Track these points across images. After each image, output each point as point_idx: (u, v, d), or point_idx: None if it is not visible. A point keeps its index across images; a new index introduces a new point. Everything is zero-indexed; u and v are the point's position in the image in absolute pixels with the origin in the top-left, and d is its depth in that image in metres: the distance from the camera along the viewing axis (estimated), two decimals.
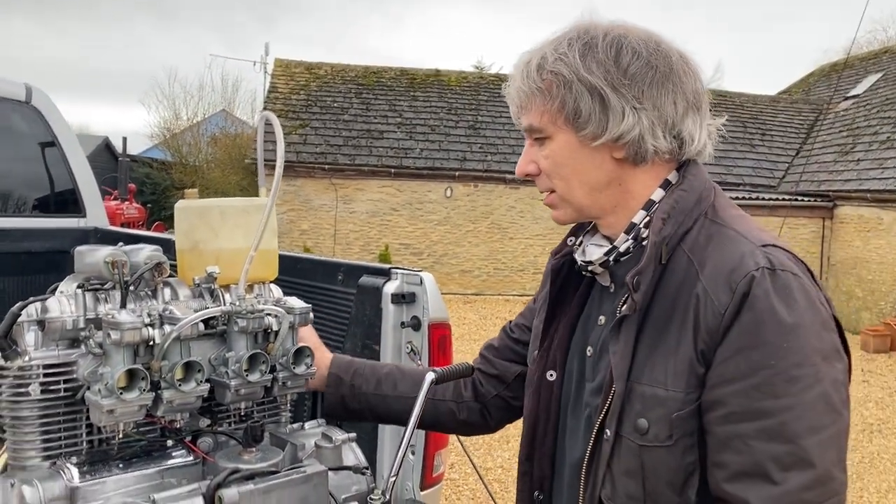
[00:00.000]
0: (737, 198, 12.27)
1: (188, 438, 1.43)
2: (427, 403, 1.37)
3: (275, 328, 1.41)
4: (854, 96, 14.58)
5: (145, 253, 1.40)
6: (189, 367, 1.31)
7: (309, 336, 1.54)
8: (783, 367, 0.95)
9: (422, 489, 2.34)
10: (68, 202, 3.99)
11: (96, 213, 4.07)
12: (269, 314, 1.39)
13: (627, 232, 1.14)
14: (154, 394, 1.28)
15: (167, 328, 1.29)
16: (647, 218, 1.13)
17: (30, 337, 1.40)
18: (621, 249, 1.15)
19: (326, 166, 13.71)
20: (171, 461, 1.40)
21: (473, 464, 1.52)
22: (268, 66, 18.35)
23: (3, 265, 3.73)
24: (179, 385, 1.29)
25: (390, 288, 2.28)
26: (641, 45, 1.10)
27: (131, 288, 1.39)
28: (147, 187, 18.23)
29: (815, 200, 12.40)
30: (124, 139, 14.68)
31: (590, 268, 1.19)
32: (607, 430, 1.08)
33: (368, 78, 15.80)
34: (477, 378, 1.49)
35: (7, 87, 3.81)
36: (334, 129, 14.41)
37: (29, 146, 3.91)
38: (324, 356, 1.54)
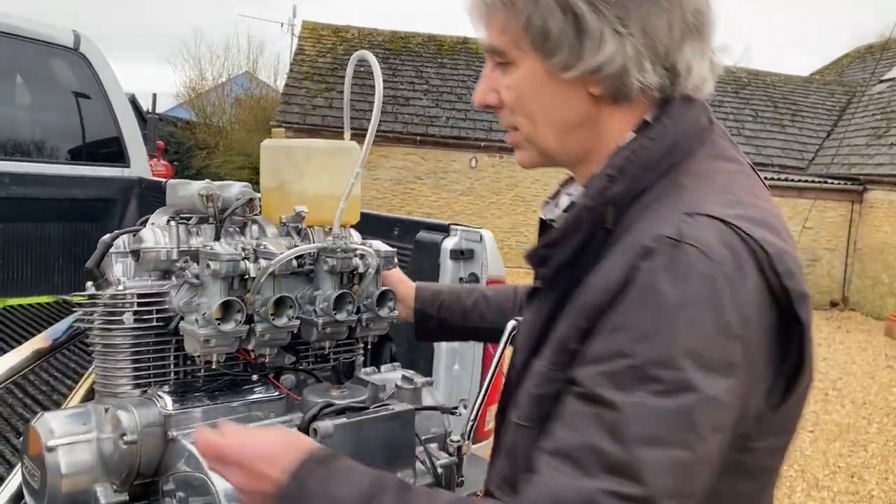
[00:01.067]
0: (765, 178, 12.14)
1: (271, 375, 1.45)
2: (471, 329, 1.50)
3: (360, 270, 1.41)
4: (890, 79, 14.33)
5: (236, 189, 1.42)
6: (281, 303, 1.32)
7: (393, 270, 1.54)
8: (639, 361, 0.77)
9: (473, 443, 2.36)
10: (113, 152, 4.00)
11: (140, 163, 4.09)
12: (357, 255, 1.40)
13: (586, 185, 0.96)
14: (248, 326, 1.29)
15: (262, 262, 1.31)
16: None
17: (118, 267, 1.42)
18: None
19: (351, 131, 13.65)
20: (255, 395, 1.43)
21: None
22: (295, 27, 18.27)
23: (48, 211, 3.77)
24: (273, 319, 1.30)
25: (449, 244, 2.29)
26: None
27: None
28: (171, 146, 18.30)
29: (845, 184, 12.24)
30: (154, 96, 14.71)
31: (552, 222, 1.05)
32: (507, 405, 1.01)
33: (396, 43, 15.68)
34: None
35: (55, 33, 3.81)
36: (360, 94, 14.32)
37: (75, 94, 3.93)
38: (409, 290, 1.53)
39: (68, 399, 1.54)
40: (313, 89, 14.13)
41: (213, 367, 1.32)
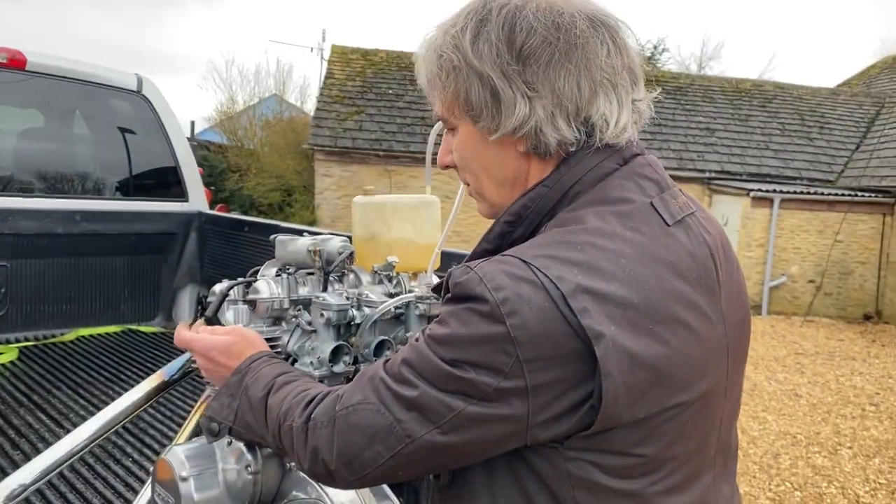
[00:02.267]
0: (794, 192, 12.18)
1: None
2: None
3: None
4: None
5: (337, 243, 1.58)
6: (381, 345, 1.48)
7: None
8: (432, 335, 0.94)
9: None
10: (173, 187, 4.23)
11: (198, 197, 4.31)
12: None
13: (489, 229, 1.08)
14: (355, 367, 1.46)
15: (365, 310, 1.47)
16: None
17: (230, 314, 1.59)
18: None
19: (381, 153, 13.92)
20: None
21: None
22: (324, 51, 18.65)
23: (116, 245, 3.99)
24: (374, 361, 1.46)
25: None
26: (539, 19, 0.97)
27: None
28: (204, 169, 18.53)
29: (877, 196, 12.22)
30: (192, 123, 15.05)
31: None
32: None
33: None
34: None
35: (120, 77, 4.05)
36: (389, 116, 14.61)
37: (139, 134, 4.16)
38: None
39: (181, 432, 1.71)
40: (343, 112, 14.42)
41: None
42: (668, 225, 1.00)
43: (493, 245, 1.04)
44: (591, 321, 0.87)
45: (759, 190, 12.15)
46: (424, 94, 1.10)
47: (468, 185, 1.11)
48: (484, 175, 1.06)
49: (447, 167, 1.12)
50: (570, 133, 0.98)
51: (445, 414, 0.91)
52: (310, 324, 1.46)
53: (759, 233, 12.21)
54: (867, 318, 12.05)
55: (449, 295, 0.95)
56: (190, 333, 1.34)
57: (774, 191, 12.15)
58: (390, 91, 15.16)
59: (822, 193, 12.43)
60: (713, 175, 14.01)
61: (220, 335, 1.30)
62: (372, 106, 14.74)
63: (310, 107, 20.17)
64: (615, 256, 0.92)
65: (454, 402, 0.91)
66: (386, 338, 1.49)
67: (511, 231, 1.02)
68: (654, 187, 1.04)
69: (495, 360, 0.88)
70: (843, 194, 12.39)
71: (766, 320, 11.62)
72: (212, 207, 4.75)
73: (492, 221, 1.09)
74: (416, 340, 0.97)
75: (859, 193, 12.38)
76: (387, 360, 1.01)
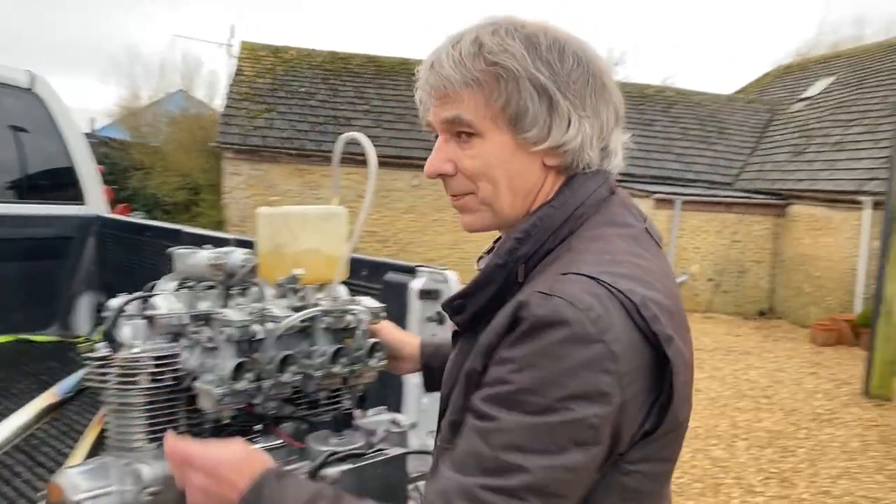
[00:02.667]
0: (695, 194, 12.71)
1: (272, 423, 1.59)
2: None
3: (353, 325, 1.57)
4: (807, 98, 15.15)
5: (239, 256, 1.55)
6: (285, 360, 1.46)
7: (393, 330, 1.68)
8: (515, 388, 0.92)
9: None
10: (68, 189, 4.04)
11: (96, 199, 4.13)
12: (352, 313, 1.55)
13: (500, 245, 1.11)
14: (258, 383, 1.43)
15: (269, 325, 1.45)
16: None
17: (127, 330, 1.53)
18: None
19: (292, 152, 13.71)
20: (258, 444, 1.56)
21: None
22: (233, 48, 18.20)
23: (7, 251, 3.78)
24: (278, 376, 1.44)
25: (417, 284, 2.45)
26: (581, 51, 1.05)
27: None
28: (104, 167, 17.76)
29: (769, 198, 12.90)
30: (92, 120, 14.40)
31: None
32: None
33: (335, 63, 15.79)
34: None
35: (10, 74, 3.84)
36: (300, 115, 14.40)
37: (31, 133, 3.95)
38: (415, 348, 1.64)
39: (74, 451, 1.64)
40: (253, 110, 14.12)
41: (225, 421, 1.45)
42: (660, 247, 1.12)
43: (503, 260, 1.05)
44: (661, 327, 0.95)
45: (662, 192, 12.62)
46: (421, 99, 1.09)
47: (469, 195, 1.09)
48: (504, 185, 1.06)
49: (441, 175, 1.09)
50: (595, 157, 1.07)
51: (570, 479, 0.91)
52: (211, 340, 1.43)
53: (661, 233, 12.67)
54: (761, 314, 12.71)
55: (526, 327, 0.93)
56: (188, 445, 1.15)
57: (676, 193, 12.65)
58: (302, 89, 14.94)
59: (721, 196, 13.03)
60: (618, 178, 14.42)
61: (225, 449, 1.12)
62: (283, 104, 14.49)
63: (218, 103, 19.63)
64: (650, 271, 1.01)
65: (574, 458, 0.90)
66: (290, 353, 1.47)
67: (518, 248, 1.05)
68: (640, 213, 1.14)
69: (599, 383, 0.90)
70: (739, 196, 13.02)
71: None
72: (113, 207, 4.58)
73: (470, 234, 1.16)
74: (480, 418, 0.93)
75: (754, 196, 13.04)
76: (457, 467, 0.93)
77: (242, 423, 1.55)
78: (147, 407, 1.46)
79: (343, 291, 1.75)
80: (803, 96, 15.44)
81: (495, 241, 1.23)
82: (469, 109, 1.04)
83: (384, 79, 15.61)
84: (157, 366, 1.45)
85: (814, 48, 22.15)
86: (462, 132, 1.06)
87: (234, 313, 1.41)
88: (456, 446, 0.98)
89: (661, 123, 15.76)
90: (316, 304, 1.55)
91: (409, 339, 1.69)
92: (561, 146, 1.04)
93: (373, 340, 1.62)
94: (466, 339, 1.10)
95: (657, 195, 12.58)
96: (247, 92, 14.52)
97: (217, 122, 14.59)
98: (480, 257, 1.24)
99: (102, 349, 1.50)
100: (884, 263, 7.43)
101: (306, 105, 14.59)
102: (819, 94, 14.92)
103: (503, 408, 0.92)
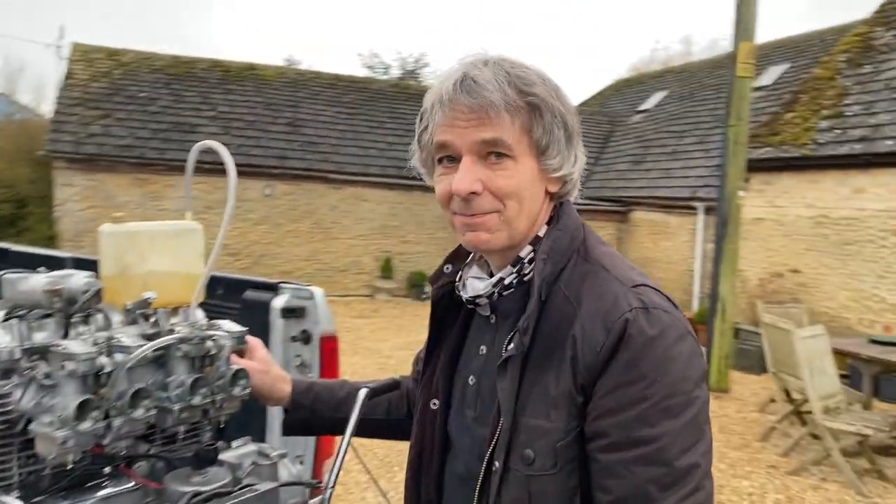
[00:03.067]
0: None
1: (123, 465, 1.42)
2: (368, 421, 1.47)
3: (213, 352, 1.44)
4: (644, 111, 16.16)
5: (80, 280, 1.38)
6: (137, 395, 1.31)
7: (264, 358, 1.56)
8: (657, 399, 1.00)
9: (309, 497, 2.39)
10: None
11: None
12: (212, 339, 1.42)
13: (513, 265, 1.15)
14: (106, 422, 1.27)
15: (118, 356, 1.29)
16: (531, 254, 1.15)
17: None
18: (506, 283, 1.16)
19: (132, 160, 12.91)
20: (108, 490, 1.39)
21: (373, 477, 1.61)
22: (63, 49, 16.89)
23: None
24: (130, 412, 1.29)
25: (279, 302, 2.33)
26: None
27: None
28: None
29: (613, 205, 13.61)
30: None
31: (477, 300, 1.19)
32: (496, 462, 1.10)
33: (179, 68, 15.06)
34: (410, 390, 1.55)
35: None
36: (141, 121, 13.60)
37: None
38: (287, 384, 1.56)
39: None
40: (87, 116, 13.17)
41: (69, 467, 1.28)
42: None
43: (541, 279, 1.11)
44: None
45: None
46: (454, 118, 1.10)
47: (493, 213, 1.11)
48: (526, 207, 1.12)
49: (472, 194, 1.10)
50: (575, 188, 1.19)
51: (711, 453, 1.06)
52: (48, 376, 1.25)
53: None
54: None
55: (641, 342, 1.02)
56: None
57: None
58: (142, 94, 14.11)
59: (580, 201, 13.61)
60: None
61: None
62: (121, 110, 13.62)
63: (47, 109, 18.18)
64: None
65: (709, 433, 1.06)
66: (143, 386, 1.32)
67: (544, 267, 1.12)
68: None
69: (702, 365, 1.08)
70: (585, 203, 13.65)
71: None
72: None
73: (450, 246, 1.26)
74: (635, 445, 1.00)
75: (599, 203, 13.72)
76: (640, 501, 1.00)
77: (89, 467, 1.39)
78: None
79: (200, 315, 1.61)
80: (640, 109, 16.45)
81: (444, 264, 1.28)
82: (509, 133, 1.08)
83: (231, 84, 15.08)
84: None
85: (648, 64, 23.68)
86: (495, 153, 1.09)
87: (77, 345, 1.25)
88: (605, 487, 1.02)
89: None
90: (171, 331, 1.41)
91: (282, 375, 1.58)
92: (568, 175, 1.15)
93: (235, 367, 1.49)
94: (515, 361, 1.10)
95: None
96: (80, 97, 13.52)
97: (46, 129, 13.48)
98: (435, 277, 1.29)
99: None
100: (717, 265, 8.00)
101: (147, 111, 13.80)
102: (654, 106, 15.96)
103: (656, 423, 1.00)
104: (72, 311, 1.32)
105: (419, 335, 9.36)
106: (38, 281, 1.32)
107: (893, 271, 8.59)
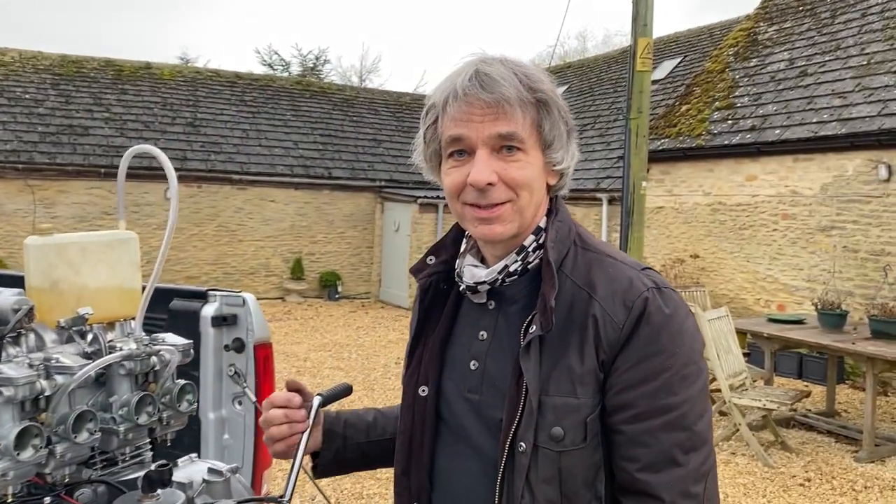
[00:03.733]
0: None
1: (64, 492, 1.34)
2: (374, 444, 1.42)
3: (157, 368, 1.37)
4: None
5: (9, 297, 1.28)
6: (80, 418, 1.23)
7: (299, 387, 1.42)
8: (678, 368, 1.10)
9: None
10: None
11: None
12: (155, 354, 1.35)
13: (517, 253, 1.20)
14: (47, 449, 1.19)
15: (58, 378, 1.21)
16: (534, 243, 1.20)
17: None
18: (511, 270, 1.20)
19: (20, 166, 12.17)
20: None
21: (319, 489, 1.56)
22: None
23: None
24: (75, 437, 1.21)
25: (209, 311, 2.24)
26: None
27: None
28: None
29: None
30: None
31: (479, 288, 1.22)
32: (522, 444, 1.12)
33: (67, 67, 14.30)
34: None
35: None
36: (28, 124, 12.84)
37: None
38: (321, 415, 1.44)
39: None
40: None
41: (4, 498, 1.19)
42: None
43: (555, 266, 1.16)
44: None
45: (426, 196, 13.01)
46: (469, 113, 1.13)
47: (507, 203, 1.15)
48: (535, 197, 1.18)
49: (489, 185, 1.14)
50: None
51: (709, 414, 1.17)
52: None
53: (427, 236, 13.08)
54: None
55: (659, 319, 1.11)
56: None
57: (438, 197, 13.10)
58: (27, 96, 13.32)
59: None
60: (383, 184, 14.68)
61: None
62: (4, 112, 12.82)
63: None
64: None
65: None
66: (86, 408, 1.25)
67: (552, 254, 1.17)
68: None
69: (702, 339, 1.17)
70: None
71: None
72: None
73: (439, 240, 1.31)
74: (660, 413, 1.09)
75: None
76: (666, 464, 1.09)
77: (26, 498, 1.30)
78: None
79: (137, 328, 1.53)
80: None
81: (427, 255, 1.33)
82: (522, 128, 1.13)
83: (126, 84, 14.44)
84: None
85: (545, 59, 24.20)
86: (508, 146, 1.14)
87: (13, 369, 1.16)
88: (634, 456, 1.10)
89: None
90: (112, 348, 1.34)
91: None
92: (566, 169, 1.20)
93: (182, 382, 1.43)
94: (535, 344, 1.14)
95: (421, 200, 12.96)
96: None
97: None
98: (418, 269, 1.33)
99: None
100: (623, 252, 8.26)
101: (34, 113, 13.04)
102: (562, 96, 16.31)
103: (678, 391, 1.09)
104: (5, 332, 1.23)
105: (334, 335, 9.29)
106: None
107: (784, 253, 9.12)
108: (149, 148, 1.43)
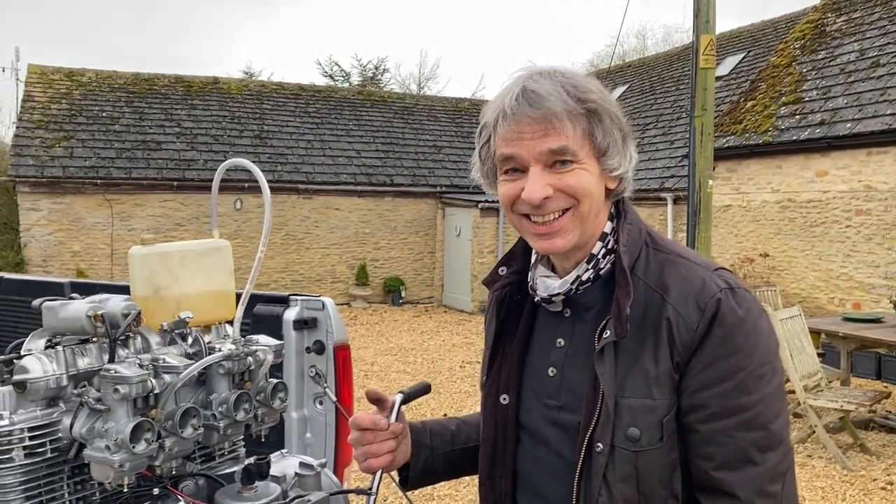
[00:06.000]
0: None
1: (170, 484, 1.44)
2: (459, 452, 1.44)
3: (252, 367, 1.46)
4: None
5: (118, 303, 1.39)
6: (185, 414, 1.33)
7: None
8: (752, 368, 1.11)
9: None
10: None
11: None
12: (252, 355, 1.44)
13: (588, 262, 1.21)
14: (158, 443, 1.29)
15: (166, 377, 1.31)
16: (603, 249, 1.21)
17: None
18: (583, 279, 1.21)
19: (98, 181, 12.72)
20: None
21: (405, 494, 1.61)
22: (20, 72, 16.55)
23: None
24: (181, 432, 1.31)
25: (291, 315, 2.34)
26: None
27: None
28: None
29: None
30: None
31: (554, 299, 1.24)
32: (599, 444, 1.14)
33: (140, 85, 14.88)
34: None
35: None
36: (105, 141, 13.42)
37: None
38: (407, 427, 1.44)
39: None
40: (49, 138, 12.95)
41: (125, 489, 1.29)
42: None
43: (629, 268, 1.18)
44: None
45: (486, 201, 13.06)
46: (520, 131, 1.14)
47: (565, 213, 1.16)
48: (595, 204, 1.18)
49: (545, 199, 1.15)
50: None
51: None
52: (99, 401, 1.26)
53: (489, 240, 13.12)
54: None
55: (733, 319, 1.11)
56: None
57: (499, 201, 13.11)
58: (104, 114, 13.92)
59: None
60: (444, 189, 14.80)
61: None
62: (83, 130, 13.42)
63: (4, 133, 17.78)
64: None
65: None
66: (191, 405, 1.34)
67: (625, 259, 1.19)
68: None
69: (776, 338, 1.17)
70: None
71: None
72: None
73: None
74: (735, 412, 1.10)
75: None
76: (742, 463, 1.10)
77: (137, 489, 1.40)
78: (23, 486, 1.27)
79: (231, 331, 1.63)
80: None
81: (499, 265, 1.34)
82: (573, 140, 1.14)
83: (195, 99, 14.94)
84: (32, 437, 1.27)
85: (605, 59, 23.95)
86: (562, 160, 1.15)
87: (127, 368, 1.26)
88: (709, 455, 1.12)
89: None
90: (213, 349, 1.43)
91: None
92: (625, 173, 1.19)
93: (274, 381, 1.52)
94: (610, 348, 1.16)
95: (482, 204, 13.01)
96: (40, 119, 13.29)
97: (6, 154, 13.22)
98: (490, 280, 1.35)
99: None
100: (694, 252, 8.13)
101: (110, 130, 13.61)
102: (616, 99, 16.15)
103: (753, 391, 1.10)
104: (117, 335, 1.33)
105: (399, 340, 9.38)
106: (80, 307, 1.33)
107: (859, 250, 8.84)
108: (243, 162, 1.53)
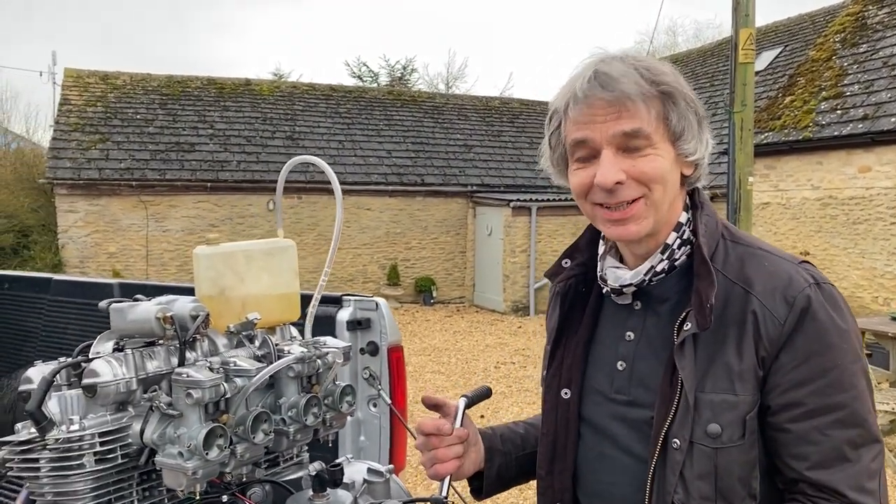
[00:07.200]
0: (548, 199, 13.16)
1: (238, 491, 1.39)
2: (530, 456, 1.38)
3: (320, 370, 1.41)
4: None
5: (187, 305, 1.35)
6: (256, 419, 1.28)
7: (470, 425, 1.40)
8: (846, 364, 1.08)
9: None
10: None
11: None
12: (321, 357, 1.40)
13: (662, 252, 1.17)
14: (230, 450, 1.25)
15: (237, 381, 1.27)
16: (678, 239, 1.17)
17: (54, 404, 1.30)
18: (658, 270, 1.17)
19: (134, 183, 12.86)
20: None
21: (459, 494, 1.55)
22: (56, 76, 16.77)
23: None
24: (253, 438, 1.26)
25: (344, 315, 2.30)
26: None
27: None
28: None
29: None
30: None
31: (624, 290, 1.20)
32: (676, 440, 1.11)
33: (173, 88, 15.02)
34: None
35: None
36: (140, 143, 13.56)
37: None
38: (477, 434, 1.41)
39: None
40: (85, 141, 13.12)
41: (198, 496, 1.25)
42: None
43: (710, 258, 1.14)
44: None
45: (518, 199, 12.97)
46: (591, 114, 1.11)
47: (639, 199, 1.12)
48: (669, 191, 1.14)
49: (618, 184, 1.11)
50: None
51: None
52: (171, 406, 1.22)
53: (521, 239, 13.03)
54: None
55: (824, 313, 1.09)
56: None
57: (531, 199, 13.03)
58: (138, 116, 14.07)
59: (573, 199, 13.56)
60: (475, 188, 14.74)
61: None
62: (118, 133, 13.58)
63: (41, 137, 18.07)
64: None
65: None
66: (263, 410, 1.29)
67: (704, 250, 1.16)
68: None
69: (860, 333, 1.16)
70: None
71: (535, 320, 12.42)
72: None
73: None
74: (833, 409, 1.07)
75: None
76: (839, 459, 1.08)
77: (206, 497, 1.36)
78: (94, 493, 1.24)
79: (296, 332, 1.58)
80: None
81: (562, 258, 1.32)
82: (647, 123, 1.10)
83: (227, 101, 15.04)
84: (103, 443, 1.23)
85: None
86: (635, 144, 1.11)
87: (199, 372, 1.22)
88: (803, 455, 1.08)
89: (510, 133, 16.24)
90: (280, 351, 1.39)
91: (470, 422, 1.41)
92: (700, 159, 1.16)
93: (342, 384, 1.47)
94: (690, 342, 1.13)
95: (513, 203, 12.92)
96: (76, 122, 13.47)
97: (44, 157, 13.43)
98: (554, 272, 1.33)
99: (24, 431, 1.26)
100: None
101: (145, 133, 13.75)
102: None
103: (849, 388, 1.08)
104: (186, 337, 1.29)
105: (432, 340, 9.38)
106: (149, 309, 1.29)
107: None
108: (313, 159, 1.50)
